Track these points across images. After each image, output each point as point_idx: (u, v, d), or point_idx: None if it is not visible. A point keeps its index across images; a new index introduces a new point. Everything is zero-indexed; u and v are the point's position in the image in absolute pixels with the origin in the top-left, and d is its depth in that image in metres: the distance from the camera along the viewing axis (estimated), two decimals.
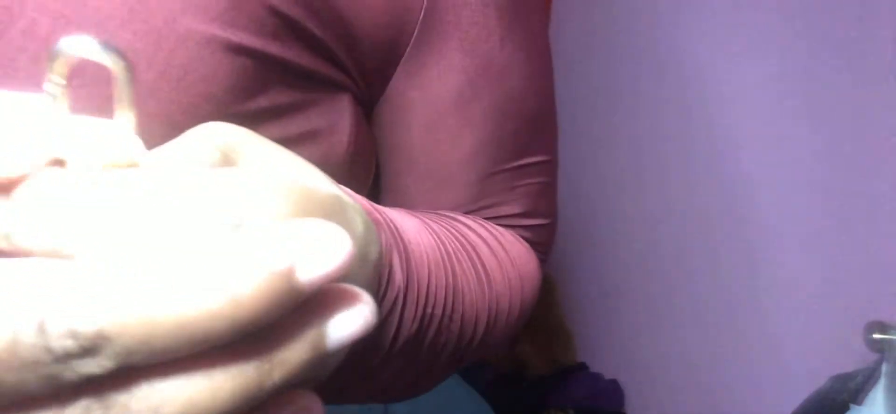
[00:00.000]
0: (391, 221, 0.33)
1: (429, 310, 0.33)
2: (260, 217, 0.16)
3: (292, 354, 0.16)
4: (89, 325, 0.14)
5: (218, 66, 0.27)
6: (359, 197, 0.29)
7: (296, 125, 0.32)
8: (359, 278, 0.22)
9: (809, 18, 0.88)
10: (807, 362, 0.92)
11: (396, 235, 0.32)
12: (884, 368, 0.74)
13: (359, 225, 0.22)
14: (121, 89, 0.17)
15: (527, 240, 0.44)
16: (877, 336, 0.77)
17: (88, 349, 0.14)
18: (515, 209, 0.43)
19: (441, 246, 0.36)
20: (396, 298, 0.30)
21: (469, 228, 0.40)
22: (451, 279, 0.35)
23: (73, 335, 0.14)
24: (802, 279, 0.93)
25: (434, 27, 0.36)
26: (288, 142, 0.31)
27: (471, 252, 0.38)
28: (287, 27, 0.30)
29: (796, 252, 0.94)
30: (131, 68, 0.17)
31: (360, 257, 0.21)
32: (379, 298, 0.29)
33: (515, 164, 0.41)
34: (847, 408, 0.76)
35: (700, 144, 1.08)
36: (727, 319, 1.06)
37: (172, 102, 0.26)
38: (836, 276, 0.88)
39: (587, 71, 1.29)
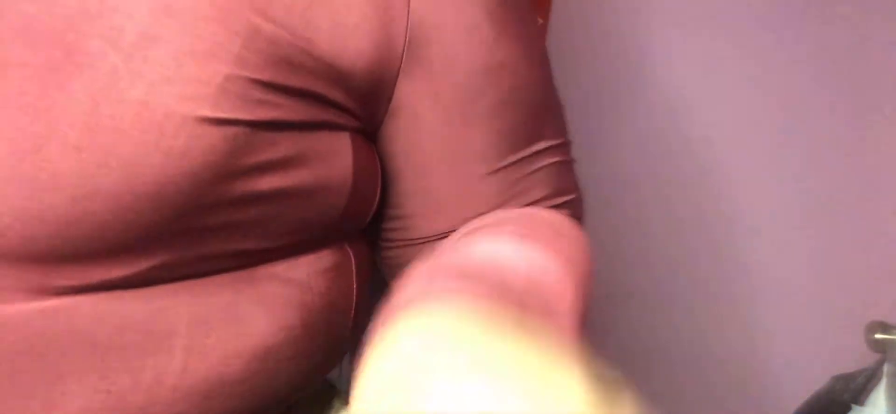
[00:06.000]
0: None
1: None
2: None
3: None
4: None
5: (215, 139, 0.32)
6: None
7: (296, 175, 0.36)
8: None
9: (801, 21, 0.88)
10: (808, 363, 0.92)
11: None
12: (885, 368, 0.74)
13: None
14: None
15: None
16: (878, 336, 0.77)
17: None
18: (541, 193, 0.43)
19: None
20: None
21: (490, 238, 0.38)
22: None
23: None
24: (804, 279, 0.93)
25: (423, 44, 0.37)
26: (290, 191, 0.36)
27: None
28: (275, 91, 0.33)
29: (797, 253, 0.94)
30: None
31: None
32: None
33: (530, 151, 0.42)
34: (849, 408, 0.76)
35: (698, 145, 1.08)
36: (728, 320, 1.06)
37: (175, 176, 0.31)
38: (837, 276, 0.88)
39: (575, 74, 1.28)
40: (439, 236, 0.43)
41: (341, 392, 0.47)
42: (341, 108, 0.37)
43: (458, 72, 0.39)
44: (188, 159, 0.31)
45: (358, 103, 0.37)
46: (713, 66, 1.04)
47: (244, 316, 0.36)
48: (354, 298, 0.43)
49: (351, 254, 0.43)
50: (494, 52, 0.39)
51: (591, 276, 0.42)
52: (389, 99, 0.39)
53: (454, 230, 0.42)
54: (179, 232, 0.33)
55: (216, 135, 0.32)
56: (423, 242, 0.44)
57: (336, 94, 0.36)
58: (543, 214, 0.43)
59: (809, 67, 0.89)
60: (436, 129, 0.40)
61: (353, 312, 0.43)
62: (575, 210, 0.47)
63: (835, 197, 0.88)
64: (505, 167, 0.42)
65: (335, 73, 0.36)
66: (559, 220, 0.43)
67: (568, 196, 0.46)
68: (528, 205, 0.43)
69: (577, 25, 1.33)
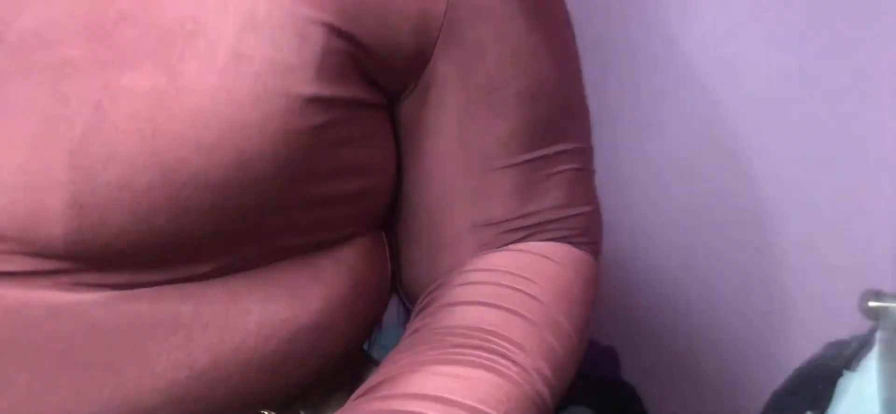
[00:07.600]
0: None
1: None
2: None
3: None
4: None
5: (295, 148, 0.36)
6: None
7: (360, 179, 0.40)
8: None
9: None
10: (802, 329, 0.93)
11: None
12: (878, 335, 0.75)
13: None
14: None
15: (568, 234, 0.46)
16: (872, 304, 0.77)
17: None
18: (555, 199, 0.44)
19: None
20: None
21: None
22: None
23: None
24: (799, 247, 0.94)
25: (458, 27, 0.39)
26: (355, 193, 0.40)
27: None
28: (345, 90, 0.37)
29: (793, 222, 0.94)
30: None
31: None
32: None
33: (551, 150, 0.43)
34: (841, 374, 0.77)
35: (693, 119, 1.08)
36: (724, 287, 1.07)
37: (264, 182, 0.35)
38: (832, 244, 0.89)
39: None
40: (443, 247, 0.44)
41: (374, 360, 0.50)
42: (381, 90, 0.40)
43: (489, 57, 0.40)
44: (275, 167, 0.35)
45: (392, 82, 0.40)
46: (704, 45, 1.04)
47: (304, 292, 0.39)
48: (388, 275, 0.46)
49: (383, 237, 0.46)
50: (525, 41, 0.41)
51: (581, 332, 0.46)
52: (419, 77, 0.40)
53: (459, 239, 0.43)
54: (257, 231, 0.36)
55: (299, 143, 0.35)
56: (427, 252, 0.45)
57: (379, 77, 0.39)
58: (547, 268, 0.44)
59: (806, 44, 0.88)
60: (458, 113, 0.41)
61: (387, 288, 0.46)
62: (589, 223, 0.48)
63: (831, 167, 0.88)
64: (523, 163, 0.42)
65: (380, 60, 0.38)
66: (564, 274, 0.45)
67: (583, 208, 0.47)
68: (541, 210, 0.44)
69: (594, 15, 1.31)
